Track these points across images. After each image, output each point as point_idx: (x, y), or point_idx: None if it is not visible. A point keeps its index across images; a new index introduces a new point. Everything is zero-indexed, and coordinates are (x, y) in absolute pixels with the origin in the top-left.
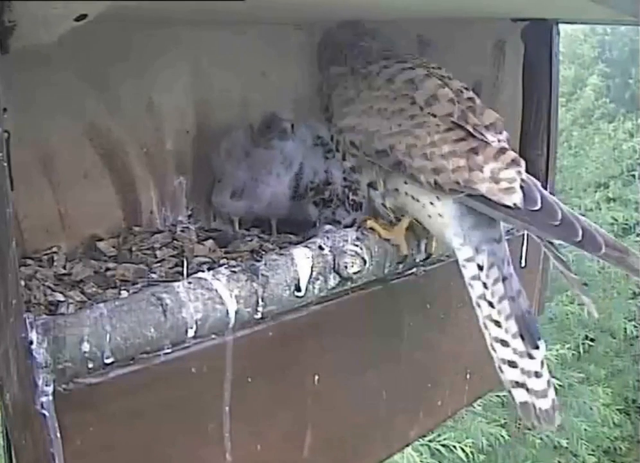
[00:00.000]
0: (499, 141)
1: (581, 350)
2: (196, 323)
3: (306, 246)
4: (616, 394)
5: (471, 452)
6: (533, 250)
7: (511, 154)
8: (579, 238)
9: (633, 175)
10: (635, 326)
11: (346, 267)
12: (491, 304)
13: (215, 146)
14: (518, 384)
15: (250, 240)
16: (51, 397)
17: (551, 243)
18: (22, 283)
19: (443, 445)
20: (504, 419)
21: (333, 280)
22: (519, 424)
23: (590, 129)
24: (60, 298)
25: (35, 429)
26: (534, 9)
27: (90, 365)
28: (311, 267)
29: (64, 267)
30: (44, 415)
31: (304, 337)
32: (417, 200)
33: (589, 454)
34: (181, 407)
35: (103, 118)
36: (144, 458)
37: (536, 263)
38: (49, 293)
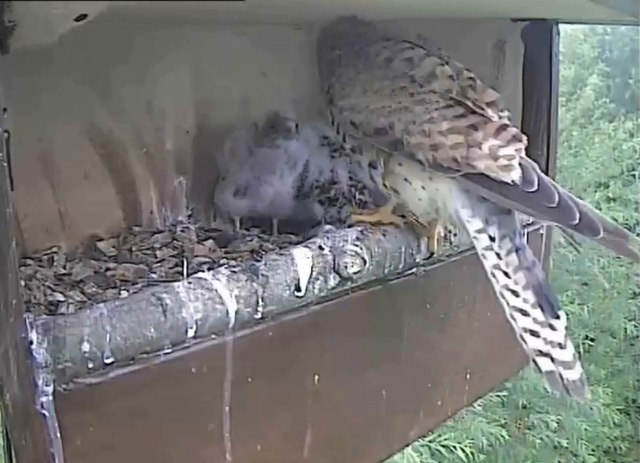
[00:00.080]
0: (500, 117)
1: (581, 350)
2: (196, 323)
3: (306, 246)
4: (616, 394)
5: (472, 452)
6: (533, 250)
7: (512, 130)
8: (576, 221)
9: (633, 175)
10: (635, 326)
11: (346, 267)
12: (506, 274)
13: (218, 145)
14: (542, 353)
15: (250, 240)
16: (51, 397)
17: None
18: (22, 283)
19: (443, 446)
20: (504, 419)
21: (333, 280)
22: (519, 424)
23: (590, 129)
24: (60, 298)
25: (35, 429)
26: (534, 9)
27: (90, 365)
28: (311, 267)
29: (64, 267)
30: (44, 415)
31: (304, 337)
32: (410, 183)
33: (589, 454)
34: (181, 407)
35: (103, 117)
36: (144, 458)
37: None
38: (49, 293)
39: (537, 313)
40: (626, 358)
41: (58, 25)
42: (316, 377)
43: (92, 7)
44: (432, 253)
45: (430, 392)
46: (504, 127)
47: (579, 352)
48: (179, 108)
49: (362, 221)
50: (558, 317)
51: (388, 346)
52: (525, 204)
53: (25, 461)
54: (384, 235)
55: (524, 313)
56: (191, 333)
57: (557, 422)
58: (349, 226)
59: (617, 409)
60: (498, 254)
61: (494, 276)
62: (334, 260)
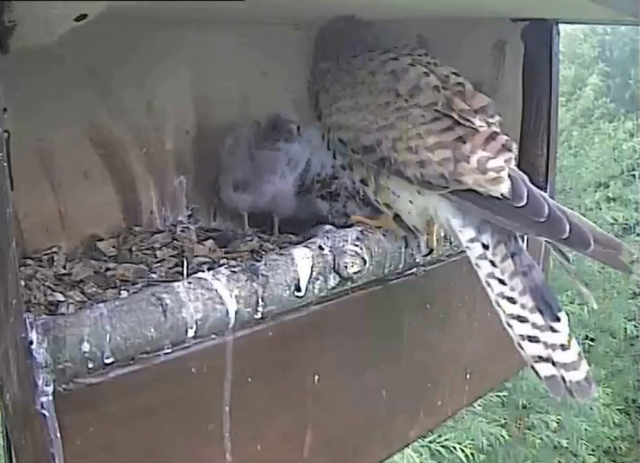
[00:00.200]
0: (489, 125)
1: (581, 350)
2: (196, 323)
3: (306, 246)
4: (616, 394)
5: (472, 453)
6: (534, 250)
7: (502, 139)
8: (566, 235)
9: (633, 175)
10: (635, 326)
11: (346, 267)
12: (502, 281)
13: (219, 143)
14: (542, 359)
15: (250, 240)
16: (51, 397)
17: None
18: (22, 283)
19: (443, 446)
20: (504, 419)
21: (333, 280)
22: (519, 424)
23: (590, 129)
24: (60, 298)
25: (35, 429)
26: (534, 9)
27: (90, 365)
28: (311, 267)
29: (64, 267)
30: (44, 415)
31: (304, 337)
32: (398, 197)
33: (589, 454)
34: (181, 407)
35: (103, 117)
36: (145, 458)
37: (537, 263)
38: (49, 293)
39: (536, 317)
40: (626, 358)
41: (58, 25)
42: (316, 377)
43: (92, 7)
44: (432, 250)
45: (430, 392)
46: (493, 136)
47: None
48: (179, 108)
49: (362, 222)
50: (558, 319)
51: (388, 346)
52: (514, 220)
53: (25, 461)
54: (384, 235)
55: (522, 320)
56: (191, 333)
57: (557, 422)
58: (351, 225)
59: (617, 409)
60: (492, 262)
61: (489, 284)
62: (334, 260)
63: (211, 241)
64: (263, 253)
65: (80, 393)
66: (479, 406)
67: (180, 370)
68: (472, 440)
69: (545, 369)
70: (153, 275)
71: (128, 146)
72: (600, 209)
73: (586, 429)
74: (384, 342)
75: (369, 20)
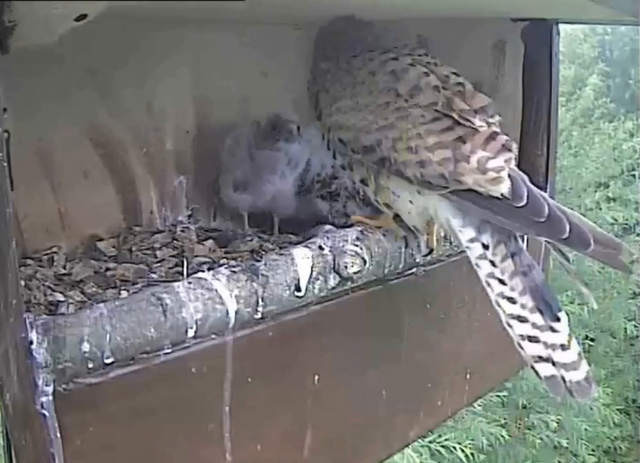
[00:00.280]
0: (489, 125)
1: (582, 350)
2: (196, 323)
3: (306, 246)
4: (616, 394)
5: (472, 453)
6: (534, 250)
7: (502, 139)
8: (566, 235)
9: (633, 175)
10: (635, 326)
11: (346, 267)
12: (502, 281)
13: (219, 143)
14: (542, 359)
15: (250, 240)
16: (51, 397)
17: None
18: (22, 283)
19: (443, 446)
20: (504, 419)
21: (333, 280)
22: (519, 424)
23: (590, 129)
24: (60, 298)
25: (35, 429)
26: (534, 9)
27: (90, 365)
28: (311, 267)
29: (64, 267)
30: (44, 415)
31: (304, 337)
32: (398, 197)
33: (589, 454)
34: (181, 407)
35: (103, 117)
36: (145, 458)
37: (537, 263)
38: (49, 293)
39: (536, 317)
40: (626, 358)
41: (58, 25)
42: (316, 377)
43: (92, 7)
44: (432, 250)
45: (430, 392)
46: (493, 136)
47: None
48: (179, 108)
49: (362, 222)
50: (558, 319)
51: (388, 346)
52: (514, 220)
53: (25, 461)
54: (384, 235)
55: (522, 320)
56: (191, 333)
57: (557, 422)
58: (350, 225)
59: (617, 409)
60: (492, 262)
61: (489, 284)
62: (334, 260)
63: (211, 241)
64: (263, 253)
65: (80, 393)
66: (479, 406)
67: (180, 370)
68: (472, 440)
69: (545, 369)
70: (153, 275)
71: (128, 146)
72: (600, 209)
73: (586, 429)
74: (384, 342)
75: (369, 20)
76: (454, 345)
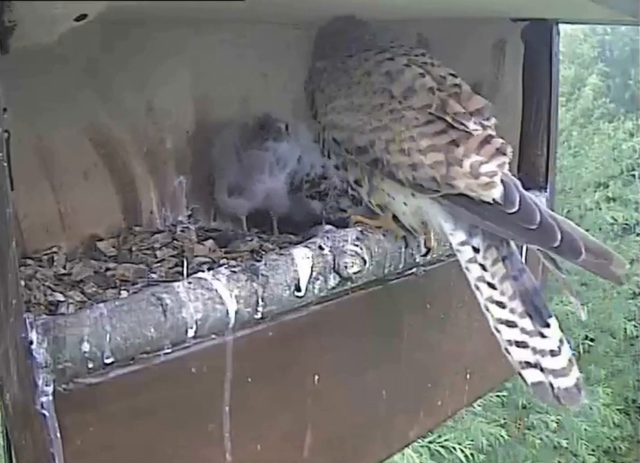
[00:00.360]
0: (485, 127)
1: (581, 350)
2: (196, 323)
3: (306, 246)
4: (616, 394)
5: (471, 453)
6: (532, 251)
7: (497, 142)
8: (557, 243)
9: (633, 175)
10: (635, 326)
11: (346, 267)
12: (491, 285)
13: (212, 144)
14: (530, 365)
15: (250, 240)
16: (51, 397)
17: None
18: (22, 283)
19: (443, 447)
20: (504, 419)
21: (333, 280)
22: (519, 424)
23: (590, 129)
24: (60, 298)
25: (35, 429)
26: (534, 9)
27: (90, 365)
28: (311, 267)
29: (64, 267)
30: (44, 415)
31: (304, 337)
32: (393, 198)
33: (589, 454)
34: (181, 407)
35: (103, 117)
36: (145, 458)
37: (537, 262)
38: (49, 293)
39: (526, 322)
40: (626, 358)
41: (59, 25)
42: (316, 377)
43: (92, 7)
44: (429, 250)
45: (430, 392)
46: (487, 140)
47: (579, 352)
48: (179, 108)
49: (362, 222)
50: (548, 325)
51: (388, 346)
52: (505, 226)
53: (25, 461)
54: (384, 235)
55: (511, 324)
56: (191, 333)
57: (557, 422)
58: (348, 221)
59: (617, 409)
60: (483, 266)
61: (478, 288)
62: (334, 260)
63: (211, 241)
64: (263, 253)
65: (80, 393)
66: (479, 406)
67: (180, 370)
68: (472, 440)
69: (532, 375)
70: (153, 275)
71: (128, 146)
72: (600, 209)
73: (586, 429)
74: (384, 342)
75: (368, 20)
76: (454, 345)
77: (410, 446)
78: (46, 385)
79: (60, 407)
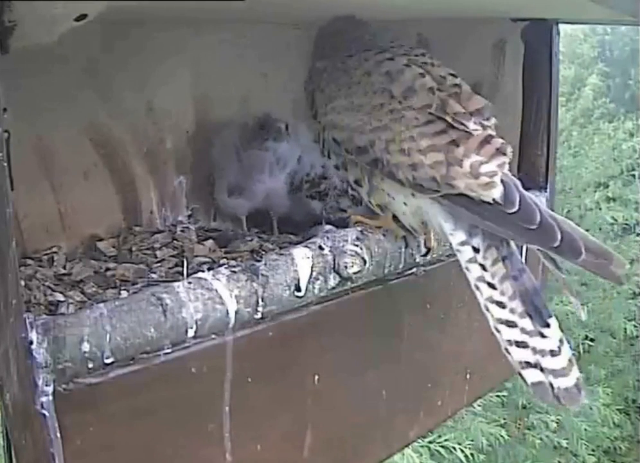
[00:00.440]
0: (485, 128)
1: (581, 350)
2: (196, 323)
3: (306, 246)
4: (616, 394)
5: (471, 453)
6: (532, 251)
7: (497, 143)
8: (557, 243)
9: (633, 175)
10: (635, 326)
11: (346, 267)
12: (491, 285)
13: (212, 144)
14: (530, 365)
15: (250, 240)
16: (51, 397)
17: None
18: (22, 283)
19: (443, 447)
20: (504, 419)
21: (333, 280)
22: (519, 424)
23: (590, 129)
24: (60, 298)
25: (35, 429)
26: (534, 9)
27: (90, 365)
28: (311, 267)
29: (64, 267)
30: (44, 415)
31: (304, 337)
32: (393, 198)
33: (589, 454)
34: (181, 407)
35: (103, 117)
36: (145, 458)
37: (537, 262)
38: (49, 293)
39: (526, 322)
40: (626, 358)
41: (59, 25)
42: (316, 377)
43: (92, 7)
44: (429, 250)
45: (430, 392)
46: (487, 140)
47: (579, 352)
48: (179, 108)
49: (362, 222)
50: (548, 325)
51: (388, 346)
52: (505, 226)
53: (25, 461)
54: (384, 235)
55: (511, 324)
56: (191, 333)
57: (557, 422)
58: (348, 219)
59: (617, 409)
60: (483, 266)
61: (478, 288)
62: (334, 260)
63: (211, 241)
64: (263, 253)
65: (80, 393)
66: (479, 406)
67: (180, 370)
68: (472, 440)
69: (532, 375)
70: (153, 275)
71: (128, 146)
72: (600, 209)
73: (586, 429)
74: (384, 342)
75: (368, 20)
76: (454, 345)
77: (410, 446)
78: (46, 385)
79: (60, 407)
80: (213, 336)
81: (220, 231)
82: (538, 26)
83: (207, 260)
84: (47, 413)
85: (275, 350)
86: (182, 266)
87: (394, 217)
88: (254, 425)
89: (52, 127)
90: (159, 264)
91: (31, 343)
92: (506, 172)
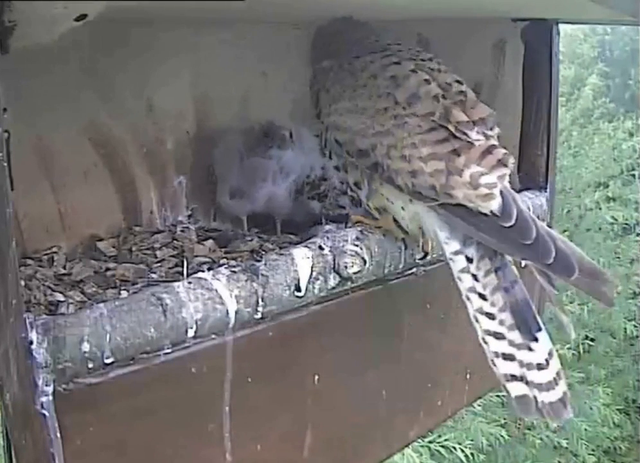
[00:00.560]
0: (488, 137)
1: (581, 350)
2: (196, 323)
3: (306, 246)
4: (616, 394)
5: (471, 453)
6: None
7: (499, 153)
8: (551, 260)
9: (633, 175)
10: (635, 326)
11: (346, 267)
12: (482, 296)
13: (214, 146)
14: (515, 378)
15: (250, 240)
16: (51, 397)
17: None
18: (22, 283)
19: (443, 446)
20: (504, 419)
21: (333, 280)
22: (519, 424)
23: (590, 129)
24: (60, 298)
25: (35, 429)
26: (534, 9)
27: (90, 365)
28: (311, 267)
29: (64, 267)
30: (44, 415)
31: (304, 337)
32: (392, 203)
33: (589, 454)
34: (181, 407)
35: (103, 117)
36: (145, 458)
37: None
38: (49, 293)
39: (514, 335)
40: (626, 358)
41: (58, 25)
42: (316, 377)
43: (92, 7)
44: (426, 254)
45: (430, 392)
46: (489, 150)
47: (579, 352)
48: (179, 108)
49: (362, 222)
50: (536, 339)
51: (388, 346)
52: (500, 240)
53: (25, 461)
54: (384, 235)
55: (499, 336)
56: (191, 333)
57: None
58: (347, 217)
59: (617, 409)
60: (475, 276)
61: (468, 299)
62: (334, 260)
63: (211, 241)
64: (263, 253)
65: (80, 393)
66: (479, 406)
67: (180, 370)
68: (472, 440)
69: (516, 388)
70: (153, 275)
71: (128, 146)
72: (600, 209)
73: (586, 429)
74: (384, 342)
75: (366, 21)
76: (454, 345)
77: (410, 446)
78: (46, 385)
79: (60, 407)
80: (213, 336)
81: (220, 231)
82: (538, 26)
83: (207, 260)
84: (47, 413)
85: (275, 350)
86: (182, 266)
87: (394, 219)
88: (254, 425)
89: (52, 127)
90: (159, 264)
91: (31, 343)
92: (506, 184)
